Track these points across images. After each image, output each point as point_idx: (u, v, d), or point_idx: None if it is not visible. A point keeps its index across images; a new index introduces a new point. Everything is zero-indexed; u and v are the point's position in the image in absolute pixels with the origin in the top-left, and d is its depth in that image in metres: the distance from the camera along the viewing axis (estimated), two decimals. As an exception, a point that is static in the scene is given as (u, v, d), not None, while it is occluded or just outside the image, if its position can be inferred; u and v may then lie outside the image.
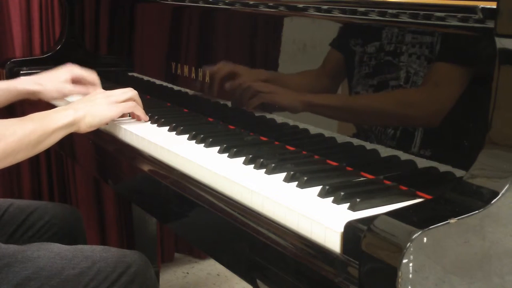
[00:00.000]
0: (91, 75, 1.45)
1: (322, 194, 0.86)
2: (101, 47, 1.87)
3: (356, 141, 0.99)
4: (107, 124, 1.26)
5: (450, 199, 0.72)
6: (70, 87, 1.41)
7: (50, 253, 1.13)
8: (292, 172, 0.93)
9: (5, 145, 1.05)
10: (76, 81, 1.45)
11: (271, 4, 1.15)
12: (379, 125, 0.95)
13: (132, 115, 1.31)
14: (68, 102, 1.42)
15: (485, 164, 0.73)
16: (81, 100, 1.25)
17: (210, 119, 1.32)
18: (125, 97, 1.26)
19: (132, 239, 2.15)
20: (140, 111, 1.29)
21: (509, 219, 0.70)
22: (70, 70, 1.43)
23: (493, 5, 0.75)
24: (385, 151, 0.94)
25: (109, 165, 1.33)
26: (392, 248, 0.64)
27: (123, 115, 1.29)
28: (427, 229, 0.64)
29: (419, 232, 0.63)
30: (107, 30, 1.83)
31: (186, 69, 1.40)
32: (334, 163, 1.01)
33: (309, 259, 0.75)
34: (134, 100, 1.29)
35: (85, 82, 1.47)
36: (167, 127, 1.24)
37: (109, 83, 1.63)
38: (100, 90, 1.30)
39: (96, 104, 1.22)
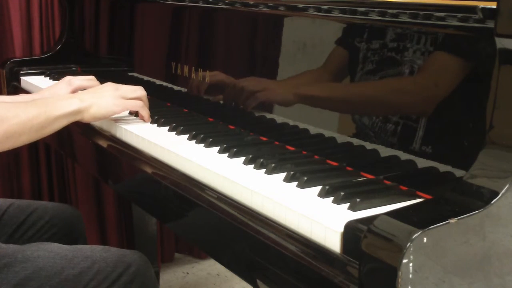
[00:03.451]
0: (90, 83, 1.42)
1: (322, 194, 0.85)
2: (101, 47, 1.87)
3: (356, 141, 0.99)
4: (112, 116, 1.26)
5: (450, 199, 0.72)
6: None
7: (50, 253, 1.13)
8: (292, 172, 0.93)
9: (8, 126, 1.06)
10: (76, 91, 1.43)
11: (271, 4, 1.15)
12: (379, 125, 0.95)
13: (137, 113, 1.31)
14: None
15: (485, 164, 0.73)
16: (89, 91, 1.25)
17: (210, 119, 1.32)
18: (133, 95, 1.26)
19: (132, 239, 2.15)
20: (145, 111, 1.28)
21: (509, 219, 0.70)
22: (69, 84, 1.39)
23: (493, 5, 0.75)
24: (385, 151, 0.94)
25: (109, 165, 1.32)
26: (392, 248, 0.64)
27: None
28: (427, 229, 0.64)
29: (419, 232, 0.63)
30: (107, 30, 1.83)
31: (186, 69, 1.40)
32: (334, 163, 1.01)
33: (309, 259, 0.75)
34: (142, 101, 1.28)
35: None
36: (167, 127, 1.24)
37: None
38: (109, 82, 1.29)
39: (103, 96, 1.22)
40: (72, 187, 2.12)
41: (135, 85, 1.32)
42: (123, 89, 1.26)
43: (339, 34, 1.03)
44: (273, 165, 0.96)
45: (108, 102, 1.21)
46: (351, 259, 0.71)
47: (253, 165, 1.00)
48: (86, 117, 1.19)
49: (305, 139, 1.08)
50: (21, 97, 1.40)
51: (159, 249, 2.25)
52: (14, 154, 2.02)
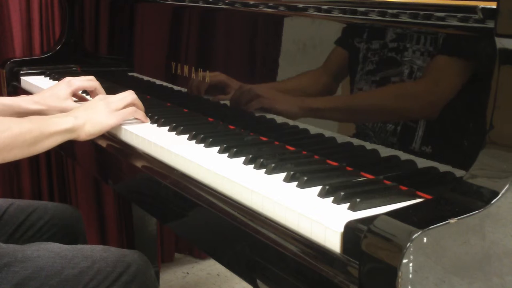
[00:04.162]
0: (90, 83, 1.43)
1: (322, 194, 0.86)
2: (101, 47, 1.87)
3: (356, 141, 0.99)
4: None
5: (450, 199, 0.72)
6: (72, 103, 1.39)
7: (50, 252, 1.13)
8: (292, 172, 0.93)
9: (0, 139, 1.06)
10: (77, 93, 1.44)
11: (271, 4, 1.15)
12: (379, 125, 0.95)
13: None
14: None
15: (485, 164, 0.73)
16: (82, 108, 1.24)
17: (210, 119, 1.32)
18: (125, 103, 1.26)
19: (132, 239, 2.15)
20: (140, 114, 1.29)
21: (509, 219, 0.70)
22: (69, 85, 1.39)
23: (493, 5, 0.75)
24: (385, 151, 0.94)
25: (109, 165, 1.33)
26: (392, 248, 0.64)
27: None
28: (427, 229, 0.64)
29: (419, 232, 0.63)
30: (107, 30, 1.83)
31: (186, 69, 1.40)
32: (334, 163, 1.01)
33: (309, 259, 0.75)
34: (134, 104, 1.28)
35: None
36: (167, 127, 1.24)
37: (109, 83, 1.63)
38: (100, 96, 1.29)
39: (96, 112, 1.22)
40: (72, 187, 2.12)
41: (135, 85, 1.32)
42: (113, 101, 1.26)
43: (339, 34, 1.03)
44: (273, 165, 0.96)
45: (102, 118, 1.22)
46: (351, 259, 0.71)
47: (253, 165, 1.00)
48: (81, 136, 1.19)
49: (305, 139, 1.08)
50: (21, 98, 1.40)
51: (159, 249, 2.25)
52: (14, 154, 2.02)
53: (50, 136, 1.14)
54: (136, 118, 1.29)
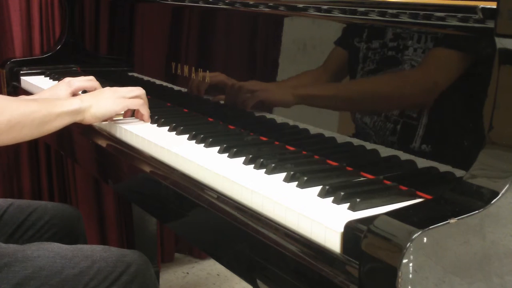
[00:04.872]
0: (90, 83, 1.43)
1: (322, 194, 0.86)
2: (101, 47, 1.88)
3: (356, 141, 0.99)
4: (112, 117, 1.27)
5: (450, 199, 0.72)
6: None
7: (50, 252, 1.13)
8: (292, 172, 0.93)
9: (11, 116, 1.08)
10: (77, 93, 1.44)
11: (271, 4, 1.15)
12: (379, 125, 0.95)
13: (136, 114, 1.31)
14: None
15: (485, 164, 0.73)
16: (88, 94, 1.27)
17: (210, 119, 1.32)
18: (132, 95, 1.27)
19: (132, 239, 2.15)
20: (145, 109, 1.29)
21: (509, 219, 0.71)
22: (69, 85, 1.40)
23: (493, 5, 0.75)
24: (385, 151, 0.94)
25: (109, 165, 1.33)
26: (392, 248, 0.64)
27: (127, 113, 1.29)
28: (427, 229, 0.64)
29: (419, 232, 0.63)
30: (107, 30, 1.83)
31: (186, 69, 1.40)
32: (334, 163, 1.01)
33: (309, 259, 0.75)
34: (141, 99, 1.29)
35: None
36: (167, 127, 1.24)
37: (109, 83, 1.63)
38: (107, 87, 1.30)
39: (102, 97, 1.24)
40: (72, 187, 2.12)
41: (134, 85, 1.32)
42: (121, 90, 1.28)
43: (339, 34, 1.03)
44: (273, 165, 0.96)
45: (108, 102, 1.23)
46: (351, 259, 0.71)
47: (253, 165, 1.00)
48: (87, 118, 1.21)
49: (305, 139, 1.08)
50: (21, 98, 1.41)
51: (159, 249, 2.25)
52: (14, 154, 2.02)
53: (58, 117, 1.16)
54: (140, 114, 1.30)
